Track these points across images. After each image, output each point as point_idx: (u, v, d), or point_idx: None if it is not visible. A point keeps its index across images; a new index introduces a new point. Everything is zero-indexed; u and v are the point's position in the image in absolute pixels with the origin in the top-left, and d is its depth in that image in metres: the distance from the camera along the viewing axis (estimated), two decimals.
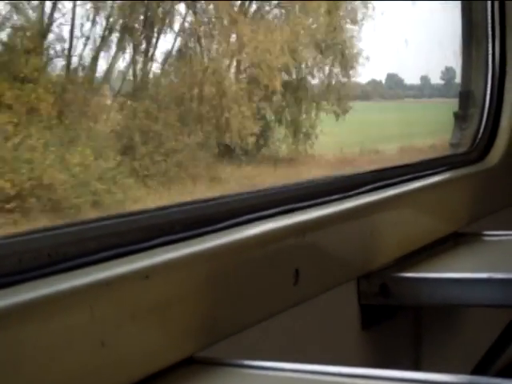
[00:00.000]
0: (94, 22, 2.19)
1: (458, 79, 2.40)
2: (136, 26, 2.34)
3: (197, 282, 0.99)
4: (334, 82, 3.04)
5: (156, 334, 0.93)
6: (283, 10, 2.84)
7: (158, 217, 1.03)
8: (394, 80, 3.64)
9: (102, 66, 2.27)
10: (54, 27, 2.09)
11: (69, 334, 0.81)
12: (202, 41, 2.54)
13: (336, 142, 3.25)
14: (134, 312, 0.89)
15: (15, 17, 2.00)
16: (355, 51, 2.98)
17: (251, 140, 2.66)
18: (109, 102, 2.38)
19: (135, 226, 0.98)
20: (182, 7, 2.52)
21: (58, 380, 0.80)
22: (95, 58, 2.23)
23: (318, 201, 1.35)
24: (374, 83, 3.72)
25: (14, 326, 0.76)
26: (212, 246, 1.04)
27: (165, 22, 2.40)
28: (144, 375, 0.91)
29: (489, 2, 2.22)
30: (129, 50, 2.37)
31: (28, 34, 2.03)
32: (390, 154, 3.34)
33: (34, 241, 0.86)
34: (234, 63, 2.67)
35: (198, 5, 2.52)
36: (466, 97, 2.31)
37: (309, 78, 3.01)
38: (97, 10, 2.20)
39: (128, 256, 0.93)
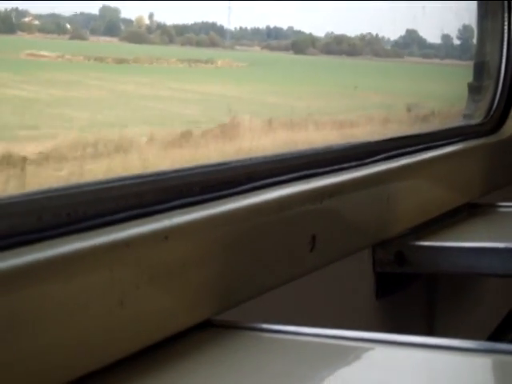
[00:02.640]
0: None
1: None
2: None
3: (215, 245, 0.99)
4: None
5: (174, 295, 0.93)
6: None
7: (177, 178, 1.02)
8: (411, 37, 3.36)
9: None
10: None
11: (88, 294, 0.80)
12: None
13: None
14: (153, 273, 0.89)
15: None
16: None
17: None
18: None
19: (154, 187, 0.97)
20: None
21: (77, 339, 0.79)
22: None
23: (336, 167, 1.34)
24: (368, 37, 3.17)
25: (32, 283, 0.75)
26: (230, 209, 1.03)
27: None
28: (162, 337, 0.91)
29: None
30: None
31: None
32: None
33: (54, 199, 0.85)
34: None
35: None
36: (480, 68, 2.30)
37: None
38: None
39: (147, 217, 0.92)
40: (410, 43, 3.31)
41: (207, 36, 2.49)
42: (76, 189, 0.88)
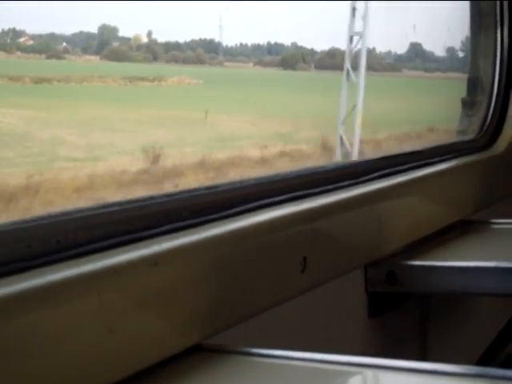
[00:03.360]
0: None
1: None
2: None
3: (204, 269, 0.99)
4: None
5: (164, 321, 0.93)
6: None
7: (166, 203, 1.02)
8: (415, 50, 3.24)
9: None
10: None
11: (77, 321, 0.81)
12: None
13: None
14: (142, 299, 0.89)
15: None
16: None
17: None
18: None
19: (143, 213, 0.98)
20: None
21: (66, 366, 0.80)
22: None
23: (327, 187, 1.35)
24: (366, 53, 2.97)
25: (22, 312, 0.76)
26: (219, 232, 1.04)
27: None
28: (152, 362, 0.91)
29: None
30: None
31: None
32: None
33: (43, 227, 0.86)
34: None
35: None
36: (474, 83, 2.31)
37: None
38: None
39: (136, 243, 0.93)
40: (413, 57, 3.22)
41: (194, 53, 2.46)
42: (65, 216, 0.89)
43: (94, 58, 2.26)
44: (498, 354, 1.70)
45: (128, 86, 2.41)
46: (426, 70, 3.28)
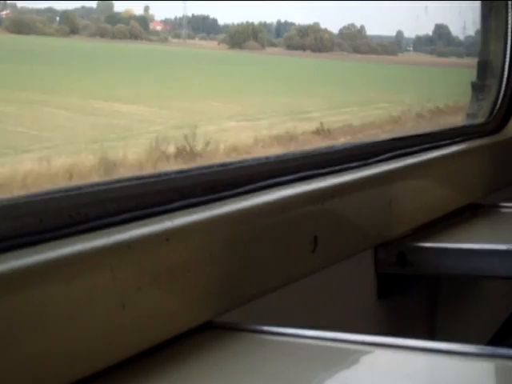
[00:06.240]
0: None
1: None
2: None
3: (216, 247, 0.99)
4: None
5: (175, 297, 0.93)
6: None
7: (179, 179, 1.02)
8: (439, 32, 3.05)
9: None
10: None
11: (90, 296, 0.81)
12: None
13: None
14: (155, 275, 0.89)
15: None
16: None
17: None
18: None
19: (156, 189, 0.97)
20: None
21: (78, 340, 0.80)
22: None
23: (337, 168, 1.34)
24: (348, 31, 2.68)
25: (34, 285, 0.75)
26: (231, 210, 1.03)
27: None
28: (163, 339, 0.91)
29: None
30: None
31: None
32: None
33: (55, 201, 0.85)
34: None
35: None
36: (484, 67, 2.30)
37: None
38: None
39: (149, 218, 0.92)
40: (435, 39, 3.05)
41: (127, 27, 2.22)
42: (77, 190, 0.88)
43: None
44: (507, 337, 1.70)
45: None
46: (440, 54, 3.13)
